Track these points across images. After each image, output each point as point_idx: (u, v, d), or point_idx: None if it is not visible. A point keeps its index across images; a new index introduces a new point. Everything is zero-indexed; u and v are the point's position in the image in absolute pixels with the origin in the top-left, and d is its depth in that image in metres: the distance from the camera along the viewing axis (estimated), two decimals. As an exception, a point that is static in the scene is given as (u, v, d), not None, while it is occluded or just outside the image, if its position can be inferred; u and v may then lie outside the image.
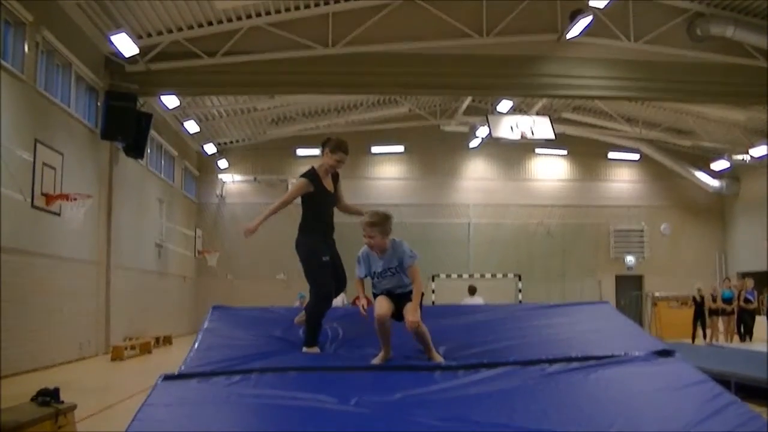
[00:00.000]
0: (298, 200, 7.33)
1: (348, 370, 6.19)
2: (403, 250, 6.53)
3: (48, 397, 8.25)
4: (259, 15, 22.09)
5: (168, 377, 5.75)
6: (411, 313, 6.29)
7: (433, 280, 31.98)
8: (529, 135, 26.83)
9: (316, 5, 22.27)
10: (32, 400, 8.26)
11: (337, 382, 5.72)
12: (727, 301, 24.81)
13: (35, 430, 7.50)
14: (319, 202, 7.43)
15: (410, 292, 6.52)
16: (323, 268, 7.33)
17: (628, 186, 37.74)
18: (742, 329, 24.57)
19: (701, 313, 25.07)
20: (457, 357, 6.48)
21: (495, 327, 7.75)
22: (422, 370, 6.04)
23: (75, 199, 18.22)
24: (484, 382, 5.63)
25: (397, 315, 6.48)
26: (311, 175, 7.41)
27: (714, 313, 24.85)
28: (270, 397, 5.35)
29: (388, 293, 6.56)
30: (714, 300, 24.82)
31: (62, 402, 8.31)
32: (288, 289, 29.40)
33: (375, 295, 6.65)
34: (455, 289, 28.03)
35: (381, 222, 6.48)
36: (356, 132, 32.90)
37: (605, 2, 21.00)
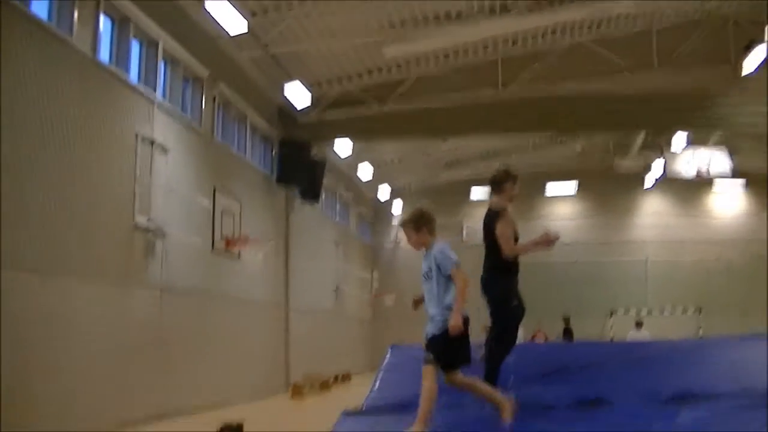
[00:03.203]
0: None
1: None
2: (442, 252, 6.01)
3: (234, 431, 8.48)
4: (427, 62, 22.31)
5: (349, 413, 5.84)
6: (452, 317, 5.78)
7: (610, 316, 31.20)
8: (704, 171, 25.84)
9: (485, 47, 22.27)
10: (219, 434, 8.52)
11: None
12: None
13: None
14: (515, 240, 7.26)
15: (443, 332, 5.85)
16: (513, 312, 7.23)
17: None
18: None
19: None
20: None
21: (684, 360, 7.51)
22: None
23: (255, 243, 18.85)
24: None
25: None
26: (505, 213, 7.24)
27: None
28: None
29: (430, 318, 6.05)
30: None
31: (247, 435, 8.53)
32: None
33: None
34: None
35: (411, 219, 6.16)
36: (529, 173, 32.59)
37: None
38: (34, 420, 10.87)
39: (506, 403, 5.54)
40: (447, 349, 5.78)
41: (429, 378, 5.54)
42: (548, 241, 7.27)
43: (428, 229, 6.07)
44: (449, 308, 5.83)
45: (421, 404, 5.47)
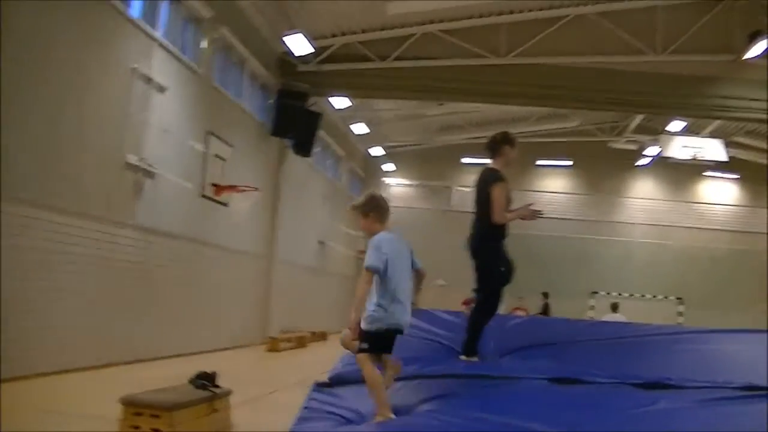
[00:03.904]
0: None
1: (506, 379, 5.98)
2: (370, 245, 5.58)
3: (206, 380, 8.42)
4: (432, 21, 22.09)
5: (321, 384, 5.75)
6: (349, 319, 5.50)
7: (592, 296, 31.35)
8: (698, 158, 25.83)
9: (490, 15, 22.07)
10: (190, 382, 8.44)
11: (495, 393, 5.57)
12: None
13: (192, 411, 7.67)
14: (507, 206, 7.14)
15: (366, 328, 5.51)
16: (499, 279, 7.15)
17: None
18: None
19: None
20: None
21: (661, 347, 7.47)
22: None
23: (243, 191, 18.74)
24: (647, 402, 5.34)
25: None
26: (502, 177, 7.10)
27: None
28: (427, 410, 5.21)
29: None
30: None
31: (218, 387, 8.45)
32: (447, 296, 29.30)
33: None
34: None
35: (360, 204, 5.81)
36: (523, 144, 32.44)
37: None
38: (11, 353, 10.80)
39: (387, 411, 5.34)
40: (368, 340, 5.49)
41: (366, 365, 5.33)
42: (532, 213, 7.18)
43: (376, 216, 5.73)
44: (374, 306, 5.50)
45: (374, 392, 5.26)
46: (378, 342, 5.44)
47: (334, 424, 5.13)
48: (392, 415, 5.09)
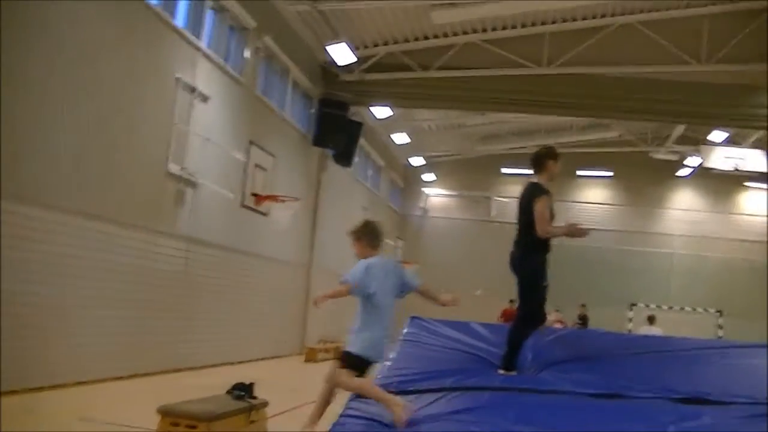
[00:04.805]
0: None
1: (543, 393, 5.90)
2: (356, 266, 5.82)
3: (243, 391, 8.45)
4: (475, 31, 22.06)
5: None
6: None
7: (631, 309, 31.04)
8: (740, 169, 25.50)
9: (533, 24, 22.00)
10: (228, 392, 8.48)
11: (532, 406, 5.51)
12: None
13: (229, 422, 7.68)
14: (551, 219, 7.14)
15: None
16: (542, 293, 7.14)
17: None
18: None
19: None
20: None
21: (701, 361, 7.39)
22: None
23: (283, 201, 18.81)
24: (690, 416, 5.26)
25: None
26: (546, 191, 7.12)
27: None
28: (460, 420, 5.14)
29: None
30: None
31: (255, 397, 8.48)
32: (485, 306, 29.15)
33: None
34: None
35: (355, 229, 6.10)
36: (564, 155, 32.21)
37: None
38: (54, 361, 10.95)
39: (394, 401, 5.25)
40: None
41: (346, 379, 5.58)
42: (579, 231, 7.19)
43: (368, 241, 6.01)
44: (360, 332, 5.72)
45: (372, 395, 5.38)
46: (357, 364, 5.62)
47: (370, 429, 5.13)
48: (401, 401, 5.14)
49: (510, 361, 6.91)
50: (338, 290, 5.67)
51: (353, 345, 5.66)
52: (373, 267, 5.76)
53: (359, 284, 5.66)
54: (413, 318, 8.25)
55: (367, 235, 6.03)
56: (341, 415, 5.33)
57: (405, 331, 7.86)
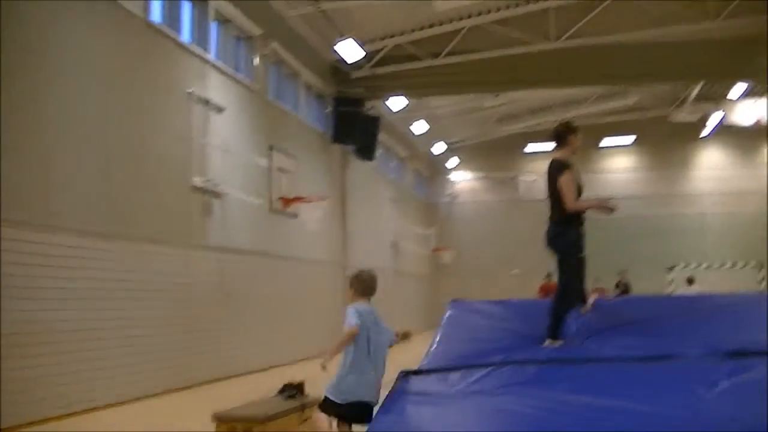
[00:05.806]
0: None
1: (592, 361, 5.92)
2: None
3: (293, 390, 8.53)
4: (479, 14, 21.96)
5: (407, 373, 5.81)
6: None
7: (670, 271, 30.86)
8: (763, 120, 25.20)
9: (537, 1, 21.78)
10: (278, 393, 8.57)
11: (582, 375, 5.53)
12: None
13: (284, 421, 7.81)
14: (579, 194, 7.16)
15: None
16: (580, 264, 7.18)
17: None
18: None
19: None
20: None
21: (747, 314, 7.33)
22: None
23: (311, 201, 18.86)
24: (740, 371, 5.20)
25: None
26: (569, 165, 7.13)
27: None
28: (510, 393, 5.20)
29: None
30: None
31: (307, 395, 8.56)
32: (523, 285, 29.06)
33: None
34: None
35: (349, 278, 6.43)
36: (584, 126, 32.03)
37: None
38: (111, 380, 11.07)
39: None
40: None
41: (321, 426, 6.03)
42: (607, 207, 7.26)
43: (357, 290, 6.24)
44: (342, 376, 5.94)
45: None
46: (336, 411, 5.93)
47: (418, 406, 5.18)
48: None
49: (555, 330, 6.92)
50: (344, 339, 5.89)
51: (331, 388, 5.96)
52: (362, 312, 5.99)
53: (360, 324, 5.90)
54: (453, 301, 8.27)
55: (357, 284, 6.27)
56: (387, 394, 5.43)
57: (447, 314, 7.87)
